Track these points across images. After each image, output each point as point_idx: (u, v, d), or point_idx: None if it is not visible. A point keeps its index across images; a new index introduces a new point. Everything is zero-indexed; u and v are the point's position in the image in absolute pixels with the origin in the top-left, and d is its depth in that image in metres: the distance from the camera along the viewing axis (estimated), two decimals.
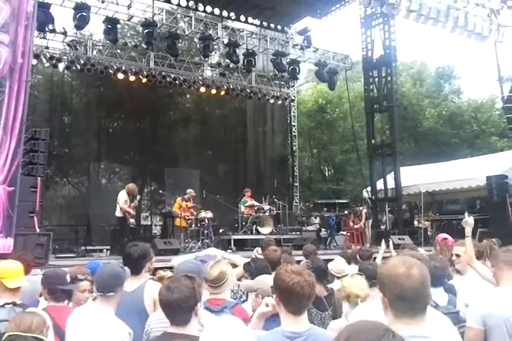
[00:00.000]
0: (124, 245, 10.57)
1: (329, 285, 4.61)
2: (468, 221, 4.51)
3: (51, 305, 3.46)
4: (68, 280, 3.51)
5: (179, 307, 2.48)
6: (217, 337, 1.95)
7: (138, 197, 12.28)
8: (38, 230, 8.14)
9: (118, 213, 10.59)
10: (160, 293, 2.57)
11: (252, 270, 4.18)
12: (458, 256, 4.53)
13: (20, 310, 3.12)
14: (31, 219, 7.97)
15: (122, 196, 10.63)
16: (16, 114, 7.06)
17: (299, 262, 6.06)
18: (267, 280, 3.13)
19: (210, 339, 1.85)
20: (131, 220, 11.46)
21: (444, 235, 7.27)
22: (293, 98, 20.84)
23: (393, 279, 1.91)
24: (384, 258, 6.75)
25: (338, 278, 5.14)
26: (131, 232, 11.89)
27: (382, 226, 16.19)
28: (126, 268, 3.42)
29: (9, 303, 3.25)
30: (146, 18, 14.80)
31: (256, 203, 14.00)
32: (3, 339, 2.74)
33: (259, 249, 6.05)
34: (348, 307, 3.62)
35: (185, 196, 12.61)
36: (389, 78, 16.29)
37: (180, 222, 12.21)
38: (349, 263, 6.31)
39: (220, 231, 13.77)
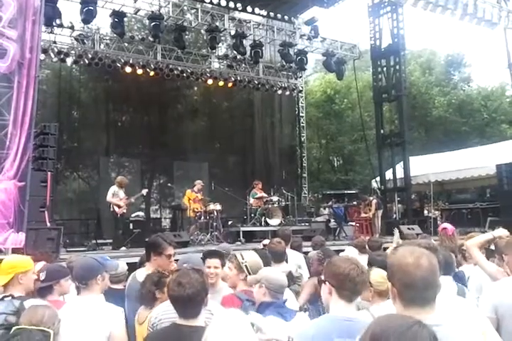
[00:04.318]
0: (119, 238, 10.80)
1: None
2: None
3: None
4: (43, 277, 3.55)
5: (191, 302, 2.54)
6: (224, 328, 1.98)
7: (145, 190, 12.38)
8: (48, 224, 8.20)
9: (111, 207, 10.80)
10: (171, 289, 2.60)
11: None
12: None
13: (18, 302, 3.18)
14: (42, 213, 8.03)
15: (110, 190, 10.83)
16: (25, 109, 7.11)
17: (306, 253, 6.12)
18: (270, 271, 3.17)
19: (217, 330, 1.88)
20: (141, 213, 11.52)
21: (445, 225, 7.25)
22: (301, 89, 20.73)
23: (402, 269, 1.93)
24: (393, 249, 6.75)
25: None
26: (141, 225, 11.97)
27: (393, 216, 16.18)
28: (109, 261, 3.60)
29: (7, 296, 3.29)
30: (152, 11, 14.76)
31: (265, 195, 14.01)
32: (10, 333, 2.80)
33: (265, 241, 6.08)
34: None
35: (195, 188, 12.54)
36: (397, 67, 16.19)
37: (189, 213, 12.26)
38: None
39: (229, 223, 13.80)
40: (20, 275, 3.42)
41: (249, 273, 3.39)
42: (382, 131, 16.53)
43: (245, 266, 3.43)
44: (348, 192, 18.21)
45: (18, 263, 3.52)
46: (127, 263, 5.11)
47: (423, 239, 5.77)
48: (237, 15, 17.35)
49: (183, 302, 2.55)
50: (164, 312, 3.00)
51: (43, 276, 3.52)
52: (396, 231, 7.78)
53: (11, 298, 3.27)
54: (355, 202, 15.75)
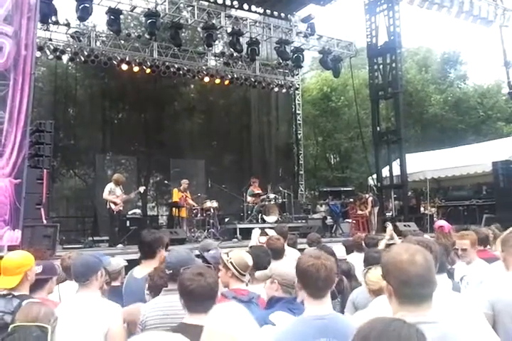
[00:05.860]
0: (115, 235, 10.82)
1: None
2: None
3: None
4: (39, 270, 3.55)
5: (211, 292, 2.49)
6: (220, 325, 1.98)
7: (142, 188, 12.39)
8: (45, 222, 8.21)
9: (107, 205, 10.84)
10: (189, 279, 2.53)
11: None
12: (464, 250, 4.51)
13: (17, 301, 3.16)
14: (38, 210, 8.03)
15: (106, 188, 10.88)
16: (20, 106, 7.08)
17: (302, 250, 6.11)
18: (281, 266, 3.17)
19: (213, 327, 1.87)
20: (138, 211, 11.52)
21: (441, 222, 7.25)
22: (297, 86, 20.71)
23: (398, 266, 1.91)
24: (389, 245, 6.77)
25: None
26: (137, 223, 11.95)
27: (388, 214, 16.21)
28: (104, 257, 3.59)
29: (9, 294, 3.28)
30: (149, 8, 14.73)
31: (262, 192, 14.03)
32: (8, 330, 2.79)
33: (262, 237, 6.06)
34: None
35: (181, 187, 12.63)
36: (394, 65, 16.16)
37: (184, 211, 12.28)
38: (352, 251, 6.32)
39: (226, 220, 13.81)
40: (28, 273, 3.41)
41: (236, 270, 3.41)
42: (378, 129, 16.52)
43: (230, 262, 3.44)
44: (345, 189, 18.23)
45: (24, 261, 3.48)
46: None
47: (416, 235, 5.78)
48: (233, 12, 17.29)
49: (201, 292, 2.46)
50: (152, 310, 2.98)
51: (39, 269, 3.52)
52: (389, 225, 7.78)
53: (12, 296, 3.26)
54: (351, 200, 15.77)
